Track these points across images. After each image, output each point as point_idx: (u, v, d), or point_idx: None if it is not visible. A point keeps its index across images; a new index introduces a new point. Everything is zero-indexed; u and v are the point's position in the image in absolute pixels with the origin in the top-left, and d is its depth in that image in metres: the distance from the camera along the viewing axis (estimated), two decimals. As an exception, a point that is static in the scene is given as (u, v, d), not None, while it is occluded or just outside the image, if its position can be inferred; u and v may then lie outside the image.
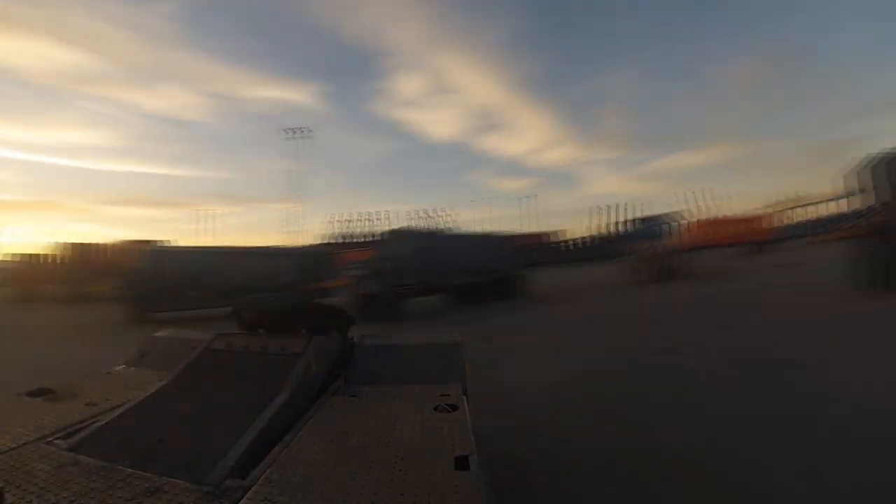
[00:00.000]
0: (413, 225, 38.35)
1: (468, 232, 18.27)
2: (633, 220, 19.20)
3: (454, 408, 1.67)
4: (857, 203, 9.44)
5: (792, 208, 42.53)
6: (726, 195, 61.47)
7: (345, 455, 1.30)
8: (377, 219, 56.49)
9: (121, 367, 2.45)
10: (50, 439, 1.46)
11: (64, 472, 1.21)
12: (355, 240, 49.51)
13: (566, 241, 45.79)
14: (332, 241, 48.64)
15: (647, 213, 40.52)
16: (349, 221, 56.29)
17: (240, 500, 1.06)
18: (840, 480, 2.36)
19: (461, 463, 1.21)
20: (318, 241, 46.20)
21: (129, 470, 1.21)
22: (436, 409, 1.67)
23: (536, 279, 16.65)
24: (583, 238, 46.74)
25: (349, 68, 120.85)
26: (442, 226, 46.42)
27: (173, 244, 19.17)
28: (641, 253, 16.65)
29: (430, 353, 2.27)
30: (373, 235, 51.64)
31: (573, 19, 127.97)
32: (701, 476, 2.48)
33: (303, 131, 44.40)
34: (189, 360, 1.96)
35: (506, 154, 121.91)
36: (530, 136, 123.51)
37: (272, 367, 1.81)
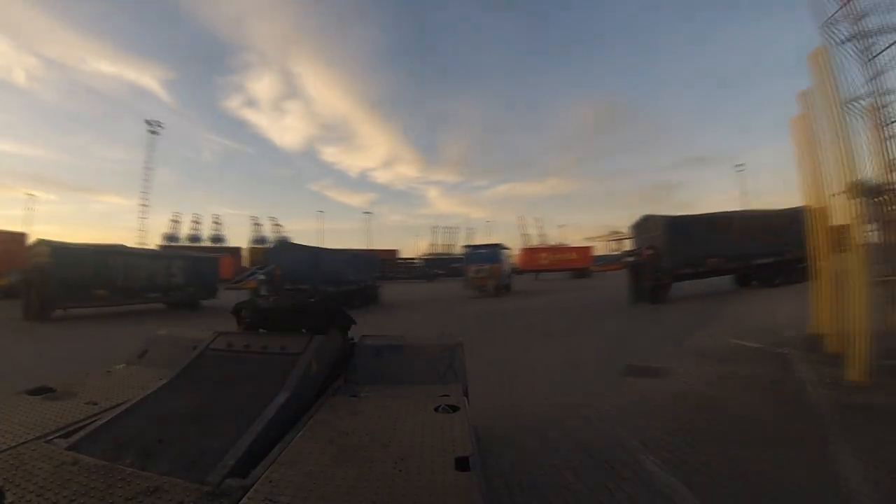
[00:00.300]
0: (287, 237, 39.98)
1: (341, 248, 21.94)
2: (474, 245, 24.11)
3: (454, 408, 1.69)
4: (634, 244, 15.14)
5: (610, 240, 53.80)
6: (558, 224, 74.51)
7: (345, 455, 1.31)
8: (218, 223, 55.90)
9: (121, 365, 2.37)
10: (50, 438, 1.41)
11: (64, 470, 1.20)
12: (203, 243, 48.51)
13: (412, 259, 50.67)
14: (185, 243, 46.87)
15: (486, 234, 47.61)
16: (195, 223, 54.20)
17: (240, 500, 1.09)
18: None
19: (461, 463, 1.22)
20: (166, 243, 43.76)
21: (130, 469, 1.21)
22: (436, 409, 1.69)
23: (391, 290, 21.05)
24: (426, 256, 52.21)
25: (200, 57, 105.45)
26: (284, 235, 48.72)
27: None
28: (480, 273, 19.27)
29: (430, 353, 2.28)
30: (220, 239, 52.94)
31: (428, 42, 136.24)
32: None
33: (154, 124, 40.68)
34: (190, 360, 1.92)
35: (350, 167, 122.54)
36: (375, 152, 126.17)
37: (272, 366, 1.81)
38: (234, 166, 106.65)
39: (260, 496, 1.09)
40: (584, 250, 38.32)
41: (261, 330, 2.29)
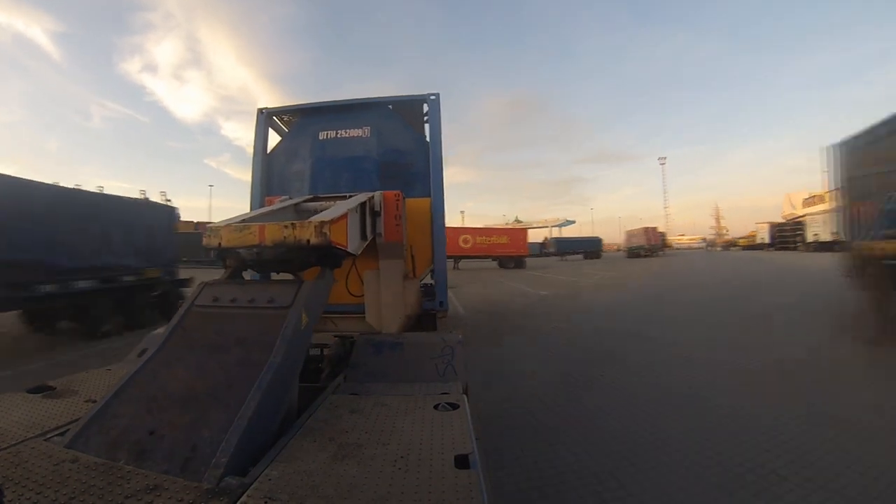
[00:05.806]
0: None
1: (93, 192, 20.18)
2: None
3: (454, 406, 1.70)
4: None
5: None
6: (459, 211, 75.49)
7: (344, 453, 1.30)
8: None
9: (121, 364, 2.33)
10: (49, 436, 1.41)
11: (63, 468, 1.19)
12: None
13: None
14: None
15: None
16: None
17: (239, 498, 1.08)
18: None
19: (461, 462, 1.23)
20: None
21: (129, 467, 1.21)
22: (436, 407, 1.69)
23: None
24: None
25: (96, 9, 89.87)
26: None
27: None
28: None
29: (431, 351, 2.27)
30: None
31: (342, 23, 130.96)
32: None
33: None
34: (176, 321, 1.83)
35: (251, 144, 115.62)
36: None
37: (261, 323, 1.74)
38: (128, 136, 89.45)
39: (259, 494, 1.09)
40: (518, 234, 33.00)
41: (247, 274, 2.20)
